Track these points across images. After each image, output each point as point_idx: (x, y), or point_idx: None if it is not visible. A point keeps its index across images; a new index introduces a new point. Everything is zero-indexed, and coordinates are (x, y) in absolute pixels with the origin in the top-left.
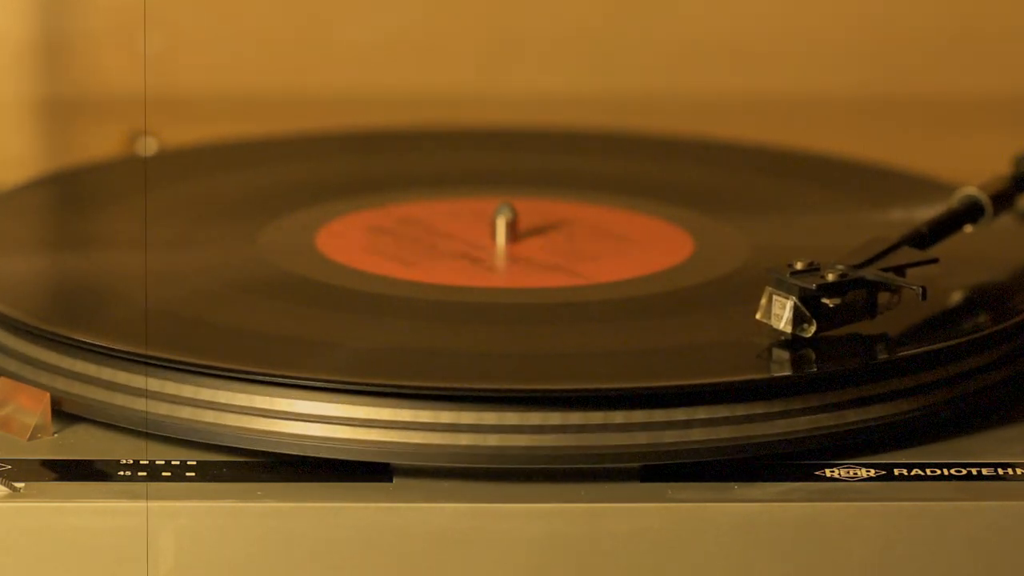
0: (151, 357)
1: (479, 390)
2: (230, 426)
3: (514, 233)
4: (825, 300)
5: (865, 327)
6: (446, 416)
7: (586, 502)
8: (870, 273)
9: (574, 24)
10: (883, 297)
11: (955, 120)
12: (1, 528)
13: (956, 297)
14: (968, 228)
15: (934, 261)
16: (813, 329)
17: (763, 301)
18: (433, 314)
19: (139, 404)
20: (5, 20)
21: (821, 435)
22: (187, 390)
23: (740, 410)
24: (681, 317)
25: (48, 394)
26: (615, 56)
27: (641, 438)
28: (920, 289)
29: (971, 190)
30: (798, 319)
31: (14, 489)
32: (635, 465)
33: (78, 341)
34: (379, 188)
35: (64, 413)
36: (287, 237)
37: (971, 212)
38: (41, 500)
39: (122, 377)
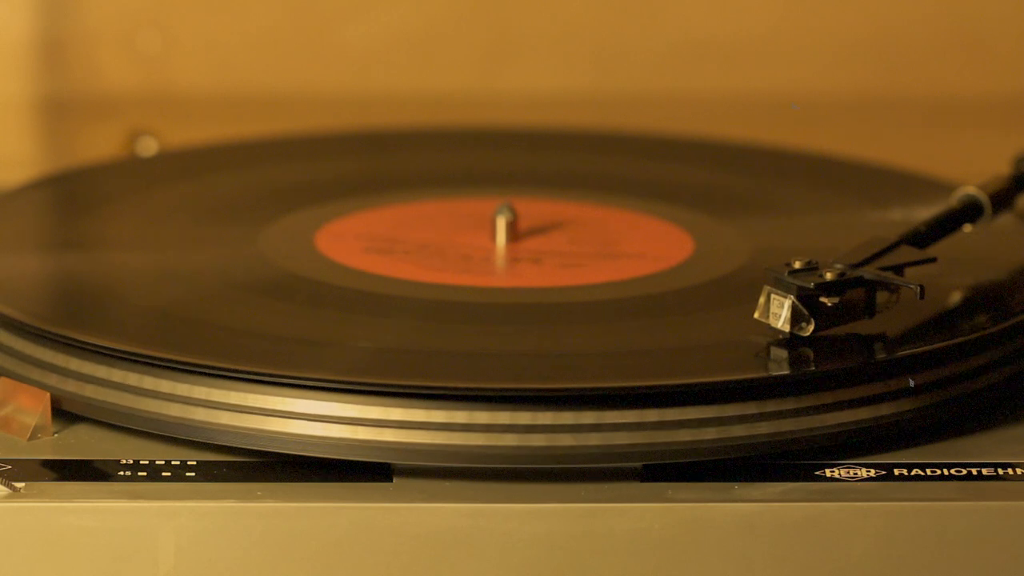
0: (151, 357)
1: (479, 390)
2: (230, 426)
3: (514, 233)
4: (823, 299)
5: (864, 326)
6: (446, 416)
7: (586, 502)
8: (868, 272)
9: (574, 24)
10: (882, 296)
11: (955, 120)
12: (1, 528)
13: (955, 297)
14: (967, 227)
15: (932, 260)
16: (811, 328)
17: (761, 300)
18: (433, 314)
19: (139, 404)
20: (4, 20)
21: (821, 435)
22: (187, 390)
23: (740, 410)
24: (681, 317)
25: (48, 394)
26: (614, 56)
27: (641, 438)
28: (918, 288)
29: (970, 189)
30: (796, 318)
31: (14, 489)
32: (635, 465)
33: (78, 341)
34: (379, 188)
35: (64, 413)
36: (287, 237)
37: (970, 211)
38: (41, 500)
39: (122, 376)
